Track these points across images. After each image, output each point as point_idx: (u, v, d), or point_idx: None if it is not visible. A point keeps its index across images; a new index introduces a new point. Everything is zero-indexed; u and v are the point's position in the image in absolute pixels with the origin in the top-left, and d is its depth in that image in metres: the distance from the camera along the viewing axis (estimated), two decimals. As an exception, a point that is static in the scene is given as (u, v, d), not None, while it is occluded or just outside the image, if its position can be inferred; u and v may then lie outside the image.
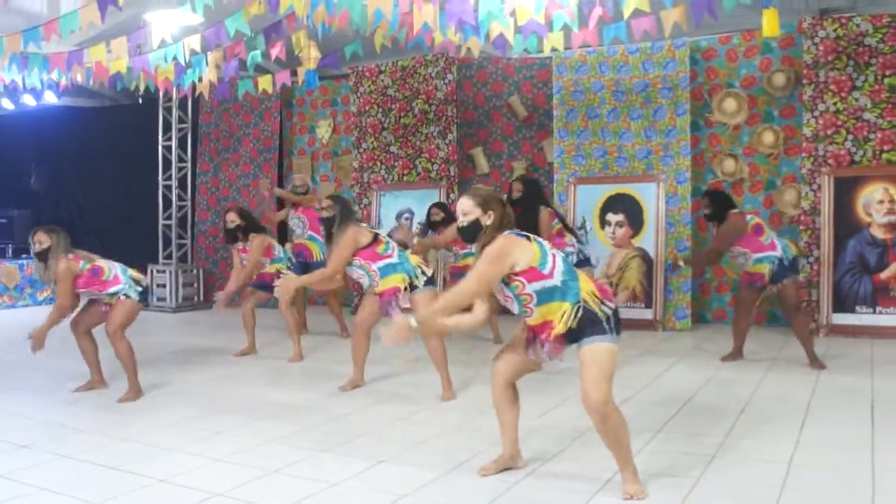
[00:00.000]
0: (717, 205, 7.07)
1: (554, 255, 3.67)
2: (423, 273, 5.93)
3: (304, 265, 8.85)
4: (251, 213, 8.10)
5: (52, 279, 5.77)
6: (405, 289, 5.82)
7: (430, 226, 8.56)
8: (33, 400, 5.91)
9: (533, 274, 3.60)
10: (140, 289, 5.97)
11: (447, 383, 5.93)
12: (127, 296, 5.87)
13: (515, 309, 3.72)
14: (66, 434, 4.98)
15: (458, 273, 8.43)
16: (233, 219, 7.69)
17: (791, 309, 6.84)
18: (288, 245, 8.97)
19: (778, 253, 6.78)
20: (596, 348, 3.61)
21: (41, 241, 5.78)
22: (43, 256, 5.78)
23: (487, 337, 8.33)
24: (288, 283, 6.28)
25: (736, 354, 7.18)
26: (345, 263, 5.86)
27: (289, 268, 7.82)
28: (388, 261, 5.86)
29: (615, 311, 3.70)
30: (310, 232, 8.94)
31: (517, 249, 3.61)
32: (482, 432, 4.86)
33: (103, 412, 5.58)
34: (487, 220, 3.73)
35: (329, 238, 6.00)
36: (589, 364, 3.60)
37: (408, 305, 5.80)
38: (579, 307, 3.61)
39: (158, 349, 8.18)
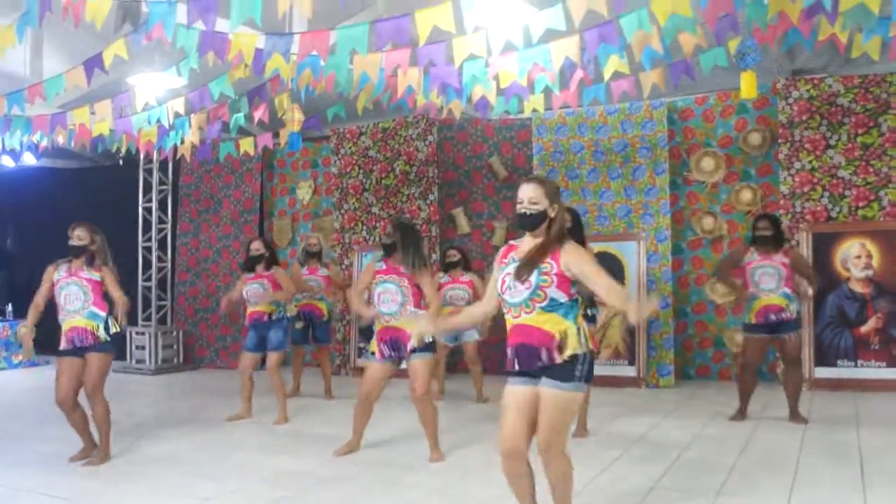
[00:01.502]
0: (778, 229, 7.03)
1: None
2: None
3: (309, 321, 8.91)
4: (273, 247, 8.06)
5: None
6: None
7: (444, 268, 8.58)
8: (30, 470, 5.80)
9: (564, 284, 3.58)
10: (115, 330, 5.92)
11: (434, 444, 5.88)
12: (106, 340, 5.80)
13: (518, 299, 3.61)
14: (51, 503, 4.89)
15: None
16: (258, 247, 7.68)
17: (794, 361, 6.88)
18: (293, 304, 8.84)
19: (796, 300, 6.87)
20: (553, 395, 3.56)
21: (81, 236, 5.92)
22: (81, 252, 5.90)
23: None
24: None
25: (741, 414, 7.10)
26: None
27: (280, 318, 7.67)
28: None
29: (592, 356, 3.66)
30: (322, 294, 8.95)
31: None
32: (471, 494, 4.82)
33: (84, 479, 5.46)
34: (552, 213, 3.68)
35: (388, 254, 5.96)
36: (544, 409, 3.58)
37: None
38: (579, 329, 3.60)
39: (139, 412, 8.07)
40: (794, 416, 6.84)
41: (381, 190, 11.06)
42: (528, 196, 3.67)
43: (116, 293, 5.88)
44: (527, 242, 3.72)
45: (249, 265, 7.70)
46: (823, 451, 5.75)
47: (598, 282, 3.55)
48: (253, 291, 7.53)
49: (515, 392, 3.66)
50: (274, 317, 7.52)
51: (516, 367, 3.64)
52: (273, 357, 7.51)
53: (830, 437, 6.21)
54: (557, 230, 3.68)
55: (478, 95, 7.22)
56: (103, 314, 5.85)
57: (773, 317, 6.81)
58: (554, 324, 3.57)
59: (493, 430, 6.60)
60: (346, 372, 10.79)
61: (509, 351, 3.68)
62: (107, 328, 5.83)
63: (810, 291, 7.12)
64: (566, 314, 3.59)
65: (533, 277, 3.56)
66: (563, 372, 3.55)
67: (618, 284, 3.66)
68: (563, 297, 3.58)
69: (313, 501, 4.84)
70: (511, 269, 3.66)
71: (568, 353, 3.55)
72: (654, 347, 9.27)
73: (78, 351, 5.80)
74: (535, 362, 3.57)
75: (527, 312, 3.60)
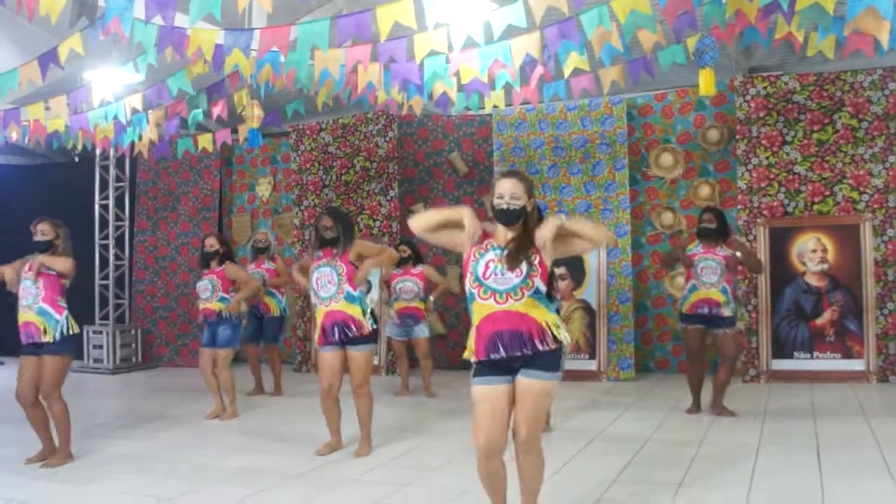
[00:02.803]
0: (723, 222, 7.07)
1: None
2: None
3: (260, 319, 8.86)
4: (230, 243, 7.96)
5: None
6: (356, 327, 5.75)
7: (396, 263, 8.56)
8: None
9: (545, 274, 3.64)
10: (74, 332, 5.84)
11: (366, 438, 5.90)
12: (63, 342, 5.72)
13: (507, 286, 3.60)
14: (8, 504, 4.82)
15: (408, 315, 8.46)
16: (212, 244, 7.61)
17: (729, 358, 6.95)
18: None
19: (732, 298, 6.95)
20: (537, 384, 3.61)
21: (45, 231, 5.78)
22: (46, 247, 5.77)
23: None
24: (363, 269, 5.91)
25: (696, 407, 7.17)
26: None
27: (229, 316, 7.61)
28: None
29: (563, 348, 3.72)
30: (269, 288, 8.90)
31: None
32: (438, 489, 4.83)
33: (43, 481, 5.37)
34: (529, 208, 3.71)
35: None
36: (527, 399, 3.61)
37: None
38: (555, 323, 3.65)
39: (98, 412, 7.97)
40: (714, 405, 6.95)
41: (342, 186, 11.02)
42: (511, 191, 3.67)
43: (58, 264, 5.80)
44: (501, 232, 3.73)
45: (204, 261, 7.65)
46: (781, 442, 5.85)
47: (574, 227, 3.65)
48: (203, 287, 7.52)
49: (489, 390, 3.65)
50: (223, 315, 7.47)
51: (501, 352, 3.60)
52: (221, 354, 7.46)
53: (788, 428, 6.32)
54: (533, 224, 3.70)
55: (438, 92, 7.23)
56: (57, 315, 5.73)
57: (705, 309, 6.88)
58: (541, 313, 3.62)
59: (454, 426, 6.64)
60: (307, 369, 10.74)
61: (487, 338, 3.62)
62: (60, 330, 5.73)
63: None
64: (547, 306, 3.66)
65: (523, 266, 3.59)
66: (548, 361, 3.61)
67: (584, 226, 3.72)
68: (544, 288, 3.65)
69: (277, 500, 4.82)
70: (493, 255, 3.65)
71: (560, 338, 3.62)
72: (615, 341, 9.35)
73: (35, 349, 5.72)
74: (522, 348, 3.58)
75: (515, 299, 3.59)
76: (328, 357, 5.81)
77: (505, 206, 3.67)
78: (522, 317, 3.58)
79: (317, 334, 5.89)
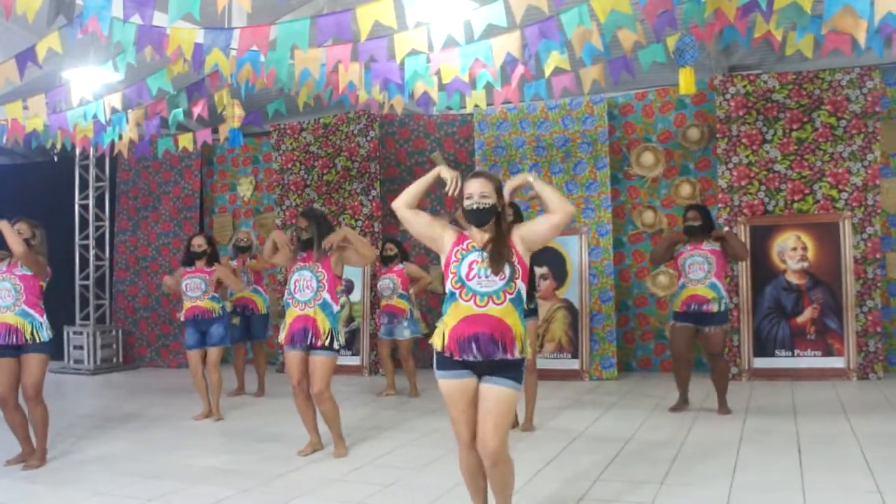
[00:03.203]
0: (708, 217, 7.09)
1: None
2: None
3: (248, 317, 8.86)
4: (215, 244, 7.95)
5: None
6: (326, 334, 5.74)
7: (383, 262, 8.65)
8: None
9: (524, 275, 3.65)
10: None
11: (338, 439, 5.89)
12: (40, 341, 5.67)
13: (489, 289, 3.58)
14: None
15: (389, 312, 8.47)
16: (200, 243, 7.60)
17: (716, 355, 6.98)
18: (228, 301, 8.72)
19: (724, 293, 6.97)
20: (505, 394, 3.59)
21: (21, 230, 5.73)
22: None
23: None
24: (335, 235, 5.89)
25: (683, 402, 7.20)
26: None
27: (222, 314, 7.60)
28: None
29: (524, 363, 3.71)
30: (255, 285, 8.90)
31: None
32: (421, 489, 4.83)
33: (24, 483, 5.33)
34: (500, 207, 3.70)
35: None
36: (494, 409, 3.58)
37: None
38: (524, 337, 3.64)
39: (79, 413, 7.91)
40: (720, 407, 6.97)
41: (323, 186, 11.00)
42: (480, 191, 3.67)
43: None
44: (476, 234, 3.72)
45: (189, 260, 7.61)
46: (763, 440, 5.88)
47: (543, 190, 3.68)
48: (194, 286, 7.45)
49: (457, 384, 3.64)
50: (216, 313, 7.44)
51: (474, 355, 3.57)
52: (213, 352, 7.45)
53: (769, 426, 6.35)
54: (506, 222, 3.71)
55: (420, 91, 7.23)
56: (38, 317, 5.70)
57: (695, 307, 6.88)
58: (515, 320, 3.60)
59: (438, 426, 6.64)
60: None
61: (463, 339, 3.58)
62: (43, 331, 5.69)
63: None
64: (521, 315, 3.65)
65: (507, 269, 3.58)
66: (513, 371, 3.60)
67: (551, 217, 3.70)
68: (524, 291, 3.65)
69: (258, 500, 4.80)
70: (476, 256, 3.62)
71: (524, 352, 3.61)
72: (597, 340, 9.37)
73: (13, 350, 5.66)
74: (495, 353, 3.55)
75: (496, 303, 3.58)
76: (292, 356, 5.82)
77: (475, 206, 3.67)
78: (500, 322, 3.57)
79: (283, 333, 5.87)
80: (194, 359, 7.51)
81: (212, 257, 7.61)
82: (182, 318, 7.62)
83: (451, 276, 3.67)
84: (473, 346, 3.56)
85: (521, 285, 3.62)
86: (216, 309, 7.46)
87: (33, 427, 5.76)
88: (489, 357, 3.56)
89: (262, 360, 9.10)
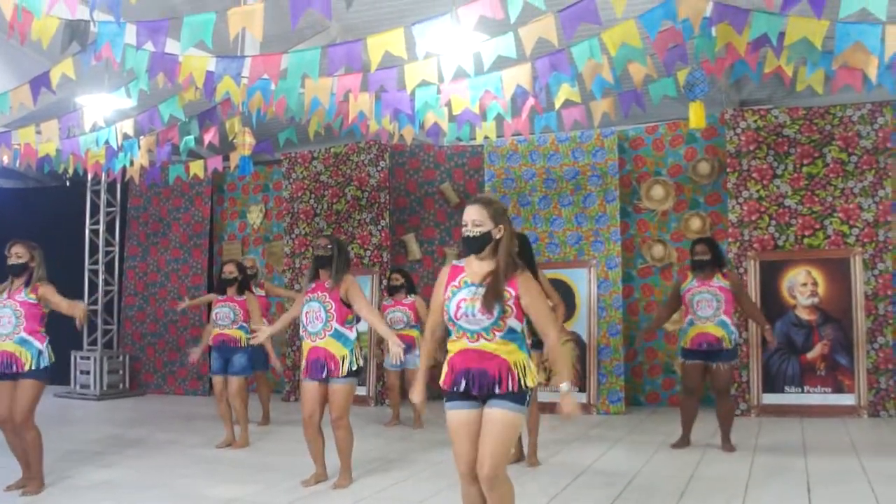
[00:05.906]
0: (717, 252, 7.01)
1: None
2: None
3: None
4: (246, 271, 7.95)
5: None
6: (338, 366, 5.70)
7: (389, 291, 8.60)
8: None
9: (520, 313, 3.61)
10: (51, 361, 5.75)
11: (345, 470, 5.83)
12: (38, 369, 5.63)
13: (478, 326, 3.57)
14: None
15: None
16: (231, 270, 7.65)
17: (722, 391, 6.90)
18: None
19: (734, 329, 6.89)
20: (505, 416, 3.56)
21: (19, 254, 5.70)
22: (21, 270, 5.68)
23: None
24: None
25: (684, 441, 7.09)
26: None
27: (245, 346, 7.57)
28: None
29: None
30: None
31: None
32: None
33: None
34: (498, 234, 3.66)
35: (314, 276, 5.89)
36: (492, 430, 3.55)
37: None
38: (529, 359, 3.62)
39: (82, 438, 7.87)
40: (724, 443, 6.87)
41: (333, 215, 11.01)
42: (472, 218, 3.67)
43: (64, 304, 5.70)
44: (474, 264, 3.69)
45: (221, 288, 7.64)
46: (771, 477, 5.80)
47: (547, 329, 3.68)
48: (224, 315, 7.47)
49: (462, 415, 3.63)
50: (242, 343, 7.43)
51: (470, 389, 3.58)
52: (234, 381, 7.44)
53: (778, 463, 6.27)
54: (505, 253, 3.65)
55: (430, 122, 7.25)
56: (37, 344, 5.64)
57: (705, 345, 6.79)
58: (510, 353, 3.57)
59: (442, 458, 6.58)
60: (296, 398, 10.65)
61: (457, 374, 3.61)
62: (41, 359, 5.65)
63: (768, 335, 7.14)
64: (521, 345, 3.61)
65: (496, 308, 3.54)
66: (515, 395, 3.56)
67: (561, 339, 3.75)
68: (518, 326, 3.61)
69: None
70: (466, 294, 3.61)
71: (528, 383, 3.58)
72: (605, 374, 9.30)
73: (10, 376, 5.61)
74: (492, 388, 3.54)
75: (486, 339, 3.58)
76: (309, 387, 5.78)
77: (468, 234, 3.67)
78: (493, 357, 3.56)
79: (303, 365, 5.86)
80: (219, 385, 7.55)
81: (242, 284, 7.63)
82: (210, 344, 7.65)
83: (444, 313, 3.69)
84: (463, 380, 3.58)
85: (512, 322, 3.58)
86: (242, 338, 7.45)
87: (28, 452, 5.71)
88: (481, 392, 3.57)
89: (265, 389, 9.05)
